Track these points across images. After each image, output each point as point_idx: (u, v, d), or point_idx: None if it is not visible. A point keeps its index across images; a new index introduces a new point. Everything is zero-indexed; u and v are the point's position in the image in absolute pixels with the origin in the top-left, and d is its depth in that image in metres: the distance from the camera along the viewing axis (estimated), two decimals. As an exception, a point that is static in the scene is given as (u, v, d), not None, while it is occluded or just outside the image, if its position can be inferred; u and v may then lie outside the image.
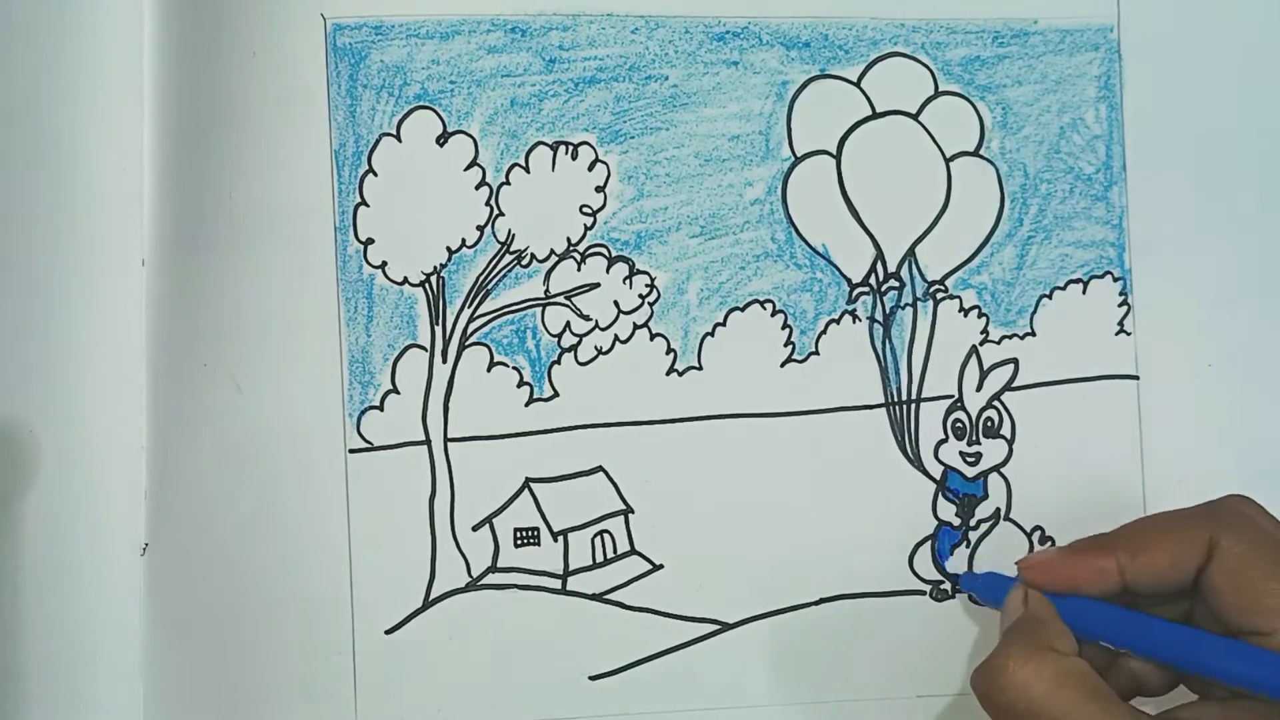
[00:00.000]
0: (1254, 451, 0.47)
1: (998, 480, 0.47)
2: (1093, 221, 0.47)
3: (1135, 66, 0.47)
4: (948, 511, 0.46)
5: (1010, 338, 0.47)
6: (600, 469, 0.45)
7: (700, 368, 0.46)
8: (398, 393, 0.44)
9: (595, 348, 0.45)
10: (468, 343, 0.45)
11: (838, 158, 0.46)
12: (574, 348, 0.45)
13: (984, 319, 0.47)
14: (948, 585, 0.46)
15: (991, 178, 0.47)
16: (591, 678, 0.45)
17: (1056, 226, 0.47)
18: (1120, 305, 0.47)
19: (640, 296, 0.45)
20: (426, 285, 0.45)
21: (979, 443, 0.46)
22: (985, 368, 0.46)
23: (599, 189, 0.45)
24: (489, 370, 0.45)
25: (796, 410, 0.46)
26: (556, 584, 0.45)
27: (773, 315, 0.46)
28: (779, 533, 0.46)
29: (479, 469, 0.45)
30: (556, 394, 0.45)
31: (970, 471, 0.46)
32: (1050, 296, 0.47)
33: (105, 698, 0.44)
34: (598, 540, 0.45)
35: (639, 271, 0.45)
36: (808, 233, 0.46)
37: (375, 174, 0.44)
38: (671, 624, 0.45)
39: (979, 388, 0.47)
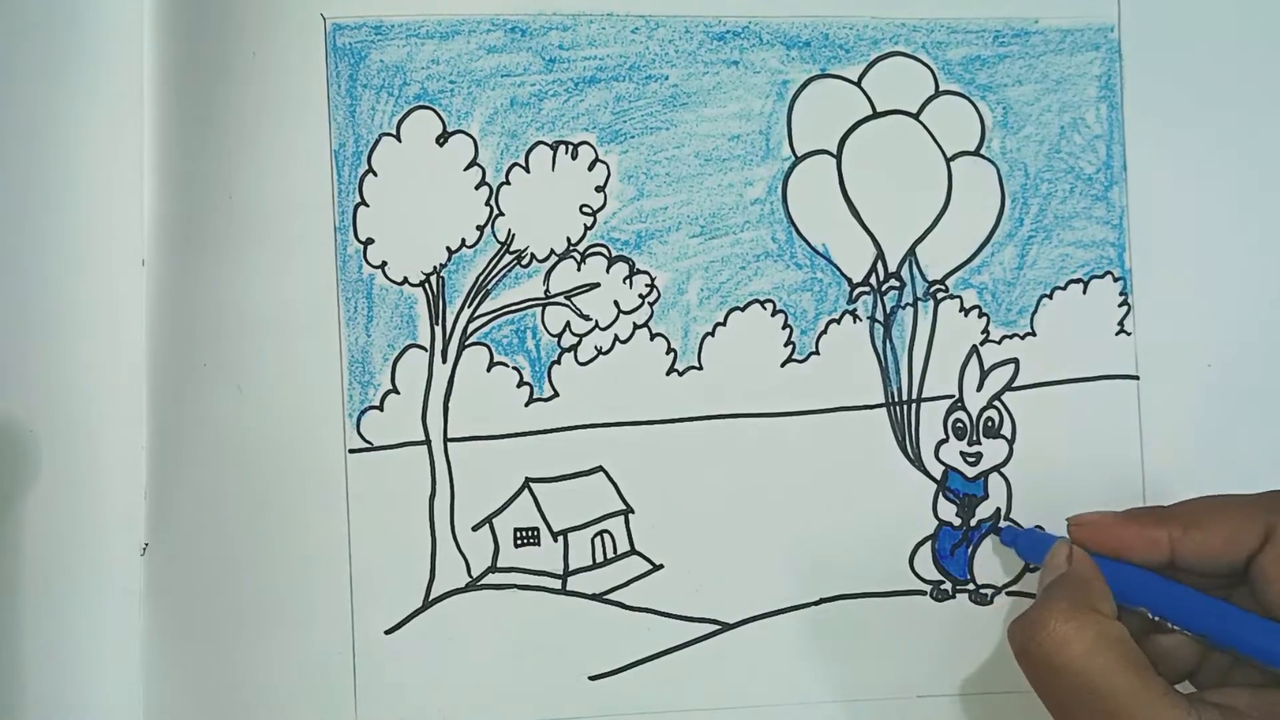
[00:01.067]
0: (1254, 451, 0.47)
1: (998, 480, 0.46)
2: (1093, 221, 0.47)
3: (1135, 66, 0.47)
4: (948, 511, 0.46)
5: (1011, 338, 0.47)
6: (600, 469, 0.45)
7: (700, 368, 0.46)
8: (398, 393, 0.44)
9: (595, 348, 0.45)
10: (468, 343, 0.45)
11: (838, 157, 0.46)
12: (574, 348, 0.45)
13: (984, 319, 0.47)
14: (948, 585, 0.46)
15: (992, 177, 0.47)
16: (591, 678, 0.45)
17: (1057, 226, 0.47)
18: (1120, 305, 0.47)
19: (640, 296, 0.45)
20: (426, 285, 0.45)
21: (979, 443, 0.46)
22: (986, 368, 0.46)
23: (599, 189, 0.45)
24: (489, 370, 0.45)
25: (797, 410, 0.46)
26: (556, 584, 0.45)
27: (773, 315, 0.46)
28: (779, 533, 0.46)
29: (479, 469, 0.45)
30: (556, 394, 0.45)
31: (970, 471, 0.46)
32: (1050, 296, 0.47)
33: (105, 698, 0.44)
34: (598, 540, 0.45)
35: (639, 271, 0.45)
36: (808, 232, 0.46)
37: (375, 174, 0.44)
38: (671, 624, 0.45)
39: (979, 388, 0.46)
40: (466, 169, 0.45)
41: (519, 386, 0.45)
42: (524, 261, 0.45)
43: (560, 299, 0.45)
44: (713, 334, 0.46)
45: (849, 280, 0.46)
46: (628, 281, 0.45)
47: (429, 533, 0.45)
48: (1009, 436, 0.46)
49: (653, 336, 0.46)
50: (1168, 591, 0.38)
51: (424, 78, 0.45)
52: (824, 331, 0.46)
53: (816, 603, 0.46)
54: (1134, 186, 0.47)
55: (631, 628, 0.45)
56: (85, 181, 0.44)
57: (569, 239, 0.45)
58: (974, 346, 0.47)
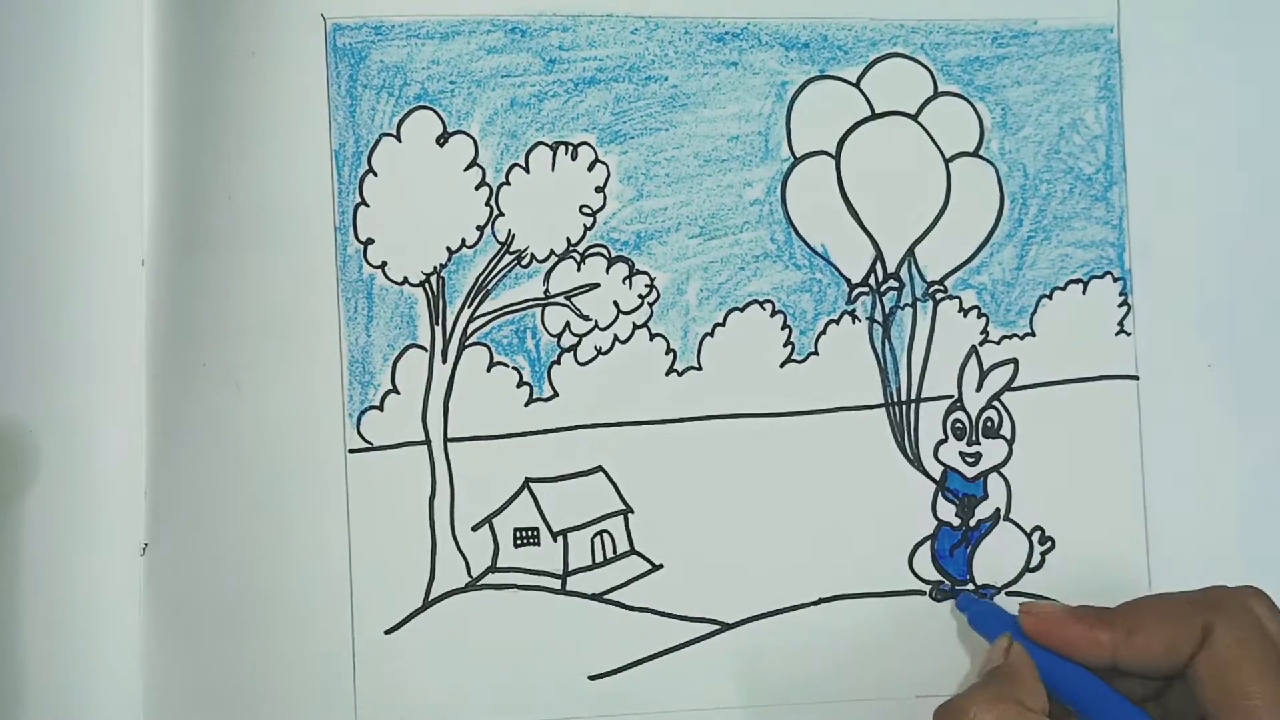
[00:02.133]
0: (1253, 452, 0.47)
1: (997, 480, 0.47)
2: (1093, 222, 0.47)
3: (1135, 66, 0.47)
4: (947, 511, 0.46)
5: (1010, 338, 0.47)
6: (600, 469, 0.45)
7: (700, 368, 0.46)
8: (397, 393, 0.45)
9: (595, 348, 0.45)
10: (468, 343, 0.45)
11: (837, 158, 0.46)
12: (574, 348, 0.45)
13: (984, 319, 0.47)
14: (948, 585, 0.46)
15: (991, 178, 0.47)
16: (591, 678, 0.45)
17: (1056, 227, 0.47)
18: (1120, 305, 0.47)
19: (640, 297, 0.45)
20: (426, 285, 0.45)
21: (979, 443, 0.46)
22: (985, 368, 0.46)
23: (599, 189, 0.45)
24: (489, 370, 0.45)
25: (796, 410, 0.46)
26: (556, 584, 0.45)
27: (772, 315, 0.46)
28: (779, 533, 0.46)
29: (479, 469, 0.45)
30: (556, 394, 0.45)
31: (970, 471, 0.46)
32: (1050, 297, 0.47)
33: (105, 697, 0.44)
34: (597, 540, 0.45)
35: (639, 272, 0.45)
36: (807, 233, 0.46)
37: (375, 174, 0.45)
38: (671, 624, 0.45)
39: (979, 388, 0.47)
40: (466, 169, 0.45)
41: (519, 386, 0.45)
42: (524, 262, 0.45)
43: (560, 299, 0.45)
44: (712, 334, 0.46)
45: (848, 281, 0.46)
46: (627, 282, 0.45)
47: (429, 533, 0.45)
48: (1008, 437, 0.47)
49: (652, 337, 0.46)
50: (1099, 695, 0.38)
51: (424, 78, 0.45)
52: (823, 332, 0.46)
53: (816, 603, 0.46)
54: (1133, 186, 0.47)
55: (631, 628, 0.45)
56: (85, 181, 0.44)
57: (569, 239, 0.45)
58: (973, 347, 0.47)
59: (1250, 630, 0.37)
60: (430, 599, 0.44)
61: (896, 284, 0.46)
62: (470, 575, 0.45)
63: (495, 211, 0.45)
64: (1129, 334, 0.47)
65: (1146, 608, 0.39)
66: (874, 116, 0.46)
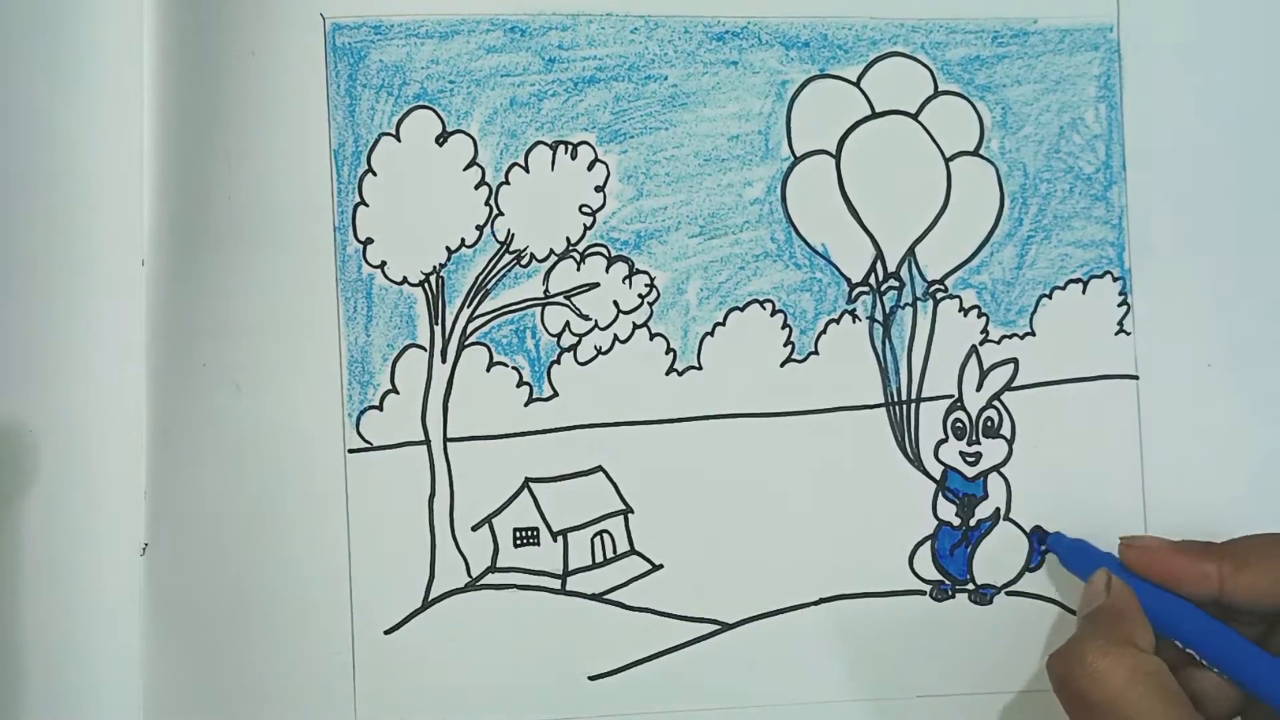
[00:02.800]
0: (1254, 452, 0.47)
1: (998, 480, 0.46)
2: (1092, 221, 0.47)
3: (1135, 66, 0.47)
4: (947, 511, 0.46)
5: (1010, 337, 0.47)
6: (600, 469, 0.45)
7: (700, 367, 0.46)
8: (397, 393, 0.45)
9: (595, 347, 0.45)
10: (467, 342, 0.45)
11: (837, 157, 0.46)
12: (573, 347, 0.45)
13: (984, 319, 0.47)
14: (948, 585, 0.46)
15: (991, 177, 0.47)
16: (591, 678, 0.45)
17: (1056, 226, 0.47)
18: (1120, 305, 0.47)
19: (640, 296, 0.45)
20: (426, 285, 0.45)
21: (979, 442, 0.46)
22: (985, 367, 0.46)
23: (598, 189, 0.45)
24: (488, 370, 0.45)
25: (796, 410, 0.46)
26: (556, 584, 0.45)
27: (772, 315, 0.46)
28: (779, 533, 0.46)
29: (478, 469, 0.45)
30: (556, 394, 0.45)
31: (970, 471, 0.46)
32: (1050, 296, 0.47)
33: (105, 698, 0.44)
34: (597, 540, 0.45)
35: (638, 271, 0.45)
36: (807, 232, 0.46)
37: (374, 174, 0.45)
38: (671, 624, 0.45)
39: (979, 387, 0.46)
40: (466, 169, 0.45)
41: (518, 386, 0.45)
42: (523, 261, 0.45)
43: (560, 299, 0.45)
44: (712, 334, 0.46)
45: (848, 280, 0.46)
46: (627, 281, 0.45)
47: (428, 533, 0.45)
48: (1008, 436, 0.46)
49: (652, 336, 0.46)
50: (1209, 630, 0.38)
51: (423, 77, 0.45)
52: (823, 331, 0.46)
53: (816, 603, 0.46)
54: (1133, 186, 0.47)
55: (631, 628, 0.45)
56: (85, 181, 0.44)
57: (568, 239, 0.45)
58: (973, 346, 0.47)
59: None
60: (430, 599, 0.44)
61: (897, 283, 0.46)
62: (470, 575, 0.45)
63: (495, 211, 0.45)
64: (1129, 334, 0.47)
65: (1257, 542, 0.38)
66: (874, 116, 0.46)
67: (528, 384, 0.45)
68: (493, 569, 0.45)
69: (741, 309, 0.46)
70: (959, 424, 0.46)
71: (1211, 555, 0.38)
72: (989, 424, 0.46)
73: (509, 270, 0.45)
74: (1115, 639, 0.36)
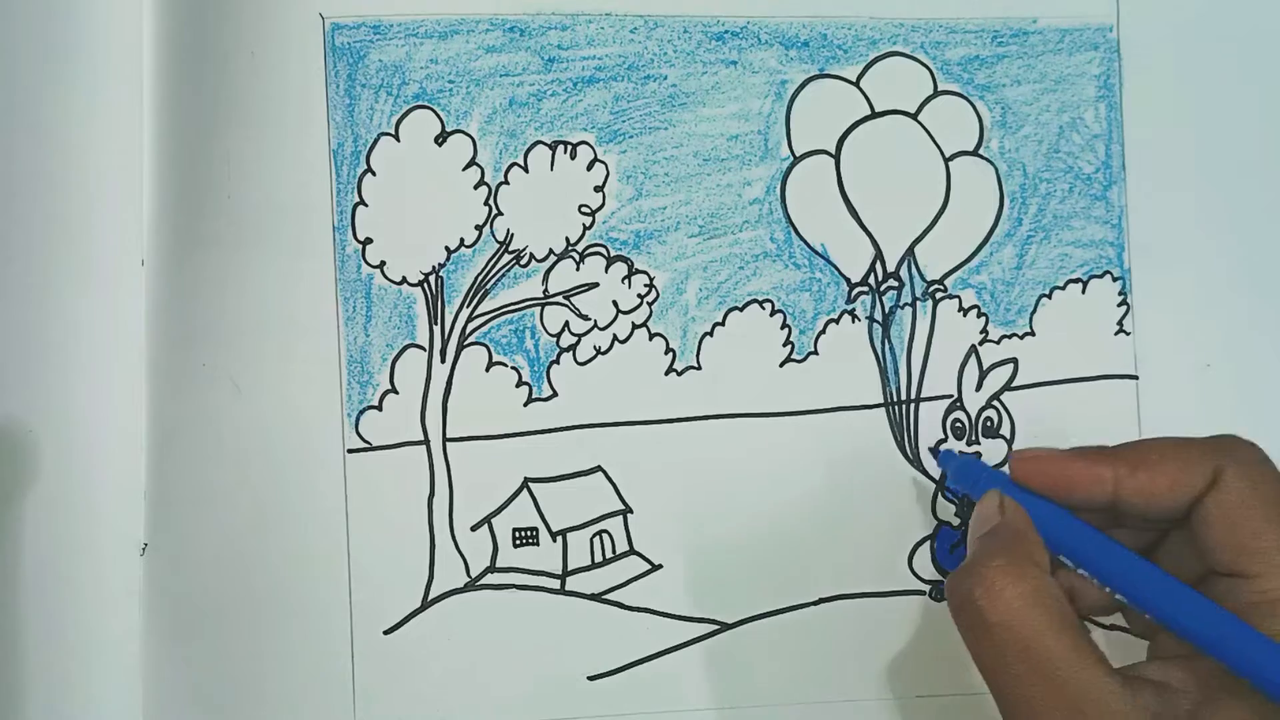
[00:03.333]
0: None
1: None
2: (1092, 221, 0.47)
3: (1135, 66, 0.47)
4: (947, 511, 0.46)
5: (1010, 337, 0.47)
6: (599, 469, 0.45)
7: (699, 368, 0.46)
8: (396, 393, 0.45)
9: (594, 347, 0.45)
10: (466, 342, 0.45)
11: (837, 157, 0.46)
12: (573, 347, 0.45)
13: (983, 319, 0.47)
14: (947, 584, 0.46)
15: (991, 177, 0.47)
16: (591, 678, 0.45)
17: (1056, 226, 0.47)
18: (1120, 305, 0.47)
19: (639, 296, 0.45)
20: (425, 285, 0.45)
21: (978, 442, 0.46)
22: (984, 367, 0.46)
23: (598, 189, 0.45)
24: (488, 370, 0.45)
25: (796, 410, 0.46)
26: (555, 584, 0.45)
27: (772, 315, 0.46)
28: (778, 533, 0.46)
29: (478, 469, 0.45)
30: (555, 394, 0.45)
31: (970, 471, 0.46)
32: (1050, 296, 0.47)
33: (105, 698, 0.44)
34: (597, 540, 0.45)
35: (638, 271, 0.45)
36: (807, 232, 0.46)
37: (374, 173, 0.45)
38: (671, 624, 0.45)
39: (978, 387, 0.46)
40: (465, 169, 0.45)
41: (518, 386, 0.45)
42: (523, 261, 0.45)
43: (559, 299, 0.45)
44: (711, 334, 0.46)
45: (847, 280, 0.46)
46: (626, 281, 0.45)
47: (428, 533, 0.45)
48: (1008, 436, 0.46)
49: (651, 336, 0.46)
50: (1103, 550, 0.37)
51: (423, 77, 0.45)
52: (822, 331, 0.46)
53: (816, 603, 0.46)
54: (1133, 186, 0.47)
55: (630, 628, 0.45)
56: (85, 181, 0.44)
57: (568, 239, 0.45)
58: (973, 346, 0.47)
59: (1263, 474, 0.36)
60: (429, 599, 0.44)
61: (896, 283, 0.46)
62: (469, 575, 0.45)
63: (494, 211, 0.45)
64: (1129, 333, 0.47)
65: (1153, 445, 0.37)
66: (874, 115, 0.46)
67: (527, 384, 0.45)
68: (492, 569, 0.45)
69: (741, 309, 0.46)
70: (958, 424, 0.46)
71: (1106, 459, 0.37)
72: (988, 424, 0.46)
73: (508, 270, 0.45)
74: (1015, 558, 0.35)
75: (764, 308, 0.46)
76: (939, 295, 0.46)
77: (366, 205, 0.44)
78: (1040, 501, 0.38)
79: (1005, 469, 0.40)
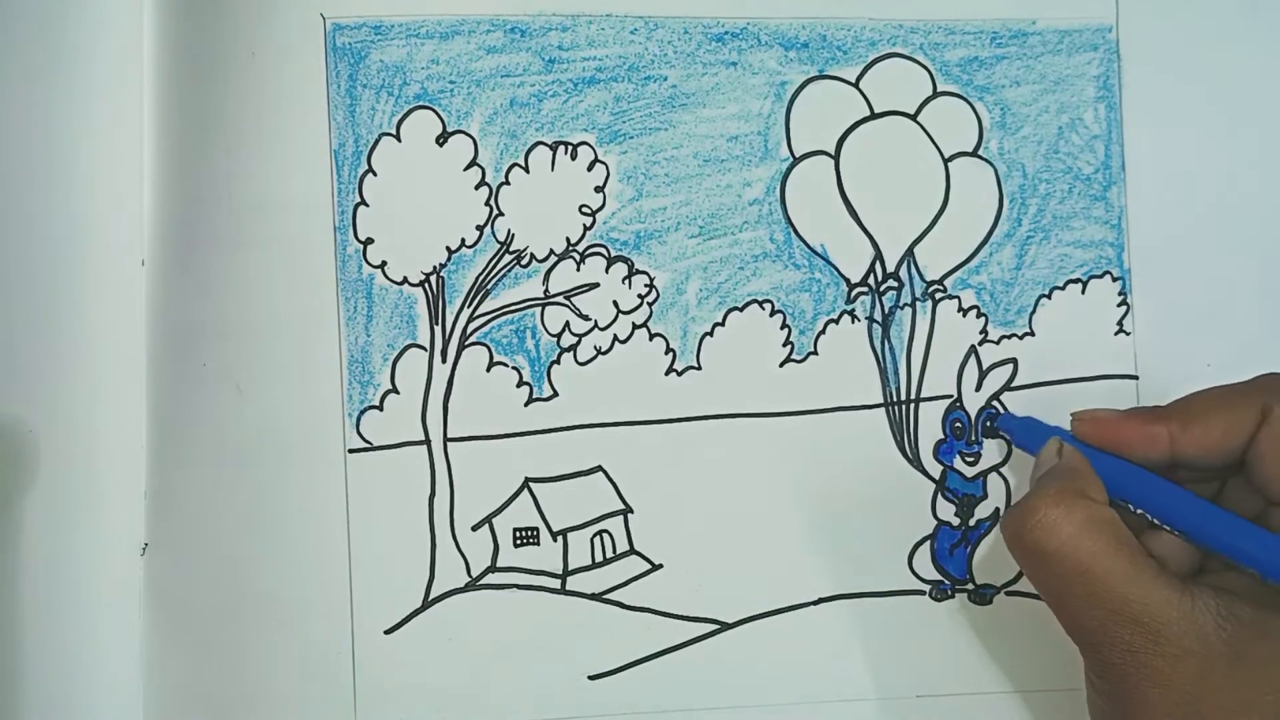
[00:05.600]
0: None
1: (997, 480, 0.46)
2: (1091, 221, 0.47)
3: (1134, 66, 0.47)
4: (947, 511, 0.46)
5: (1009, 337, 0.47)
6: (599, 469, 0.45)
7: (699, 368, 0.46)
8: (397, 393, 0.45)
9: (594, 347, 0.45)
10: (467, 342, 0.45)
11: (836, 158, 0.46)
12: (573, 347, 0.45)
13: (983, 319, 0.47)
14: (947, 585, 0.46)
15: (990, 178, 0.47)
16: (591, 677, 0.45)
17: (1055, 226, 0.47)
18: (1119, 305, 0.47)
19: (639, 296, 0.46)
20: (426, 285, 0.45)
21: (979, 443, 0.46)
22: (984, 367, 0.46)
23: (598, 189, 0.45)
24: (488, 370, 0.45)
25: (795, 410, 0.46)
26: (556, 584, 0.45)
27: (771, 315, 0.46)
28: (779, 533, 0.46)
29: (478, 469, 0.45)
30: (556, 394, 0.45)
31: (969, 471, 0.46)
32: (1049, 296, 0.47)
33: (105, 698, 0.44)
34: (597, 540, 0.45)
35: (638, 271, 0.46)
36: (806, 233, 0.46)
37: (375, 174, 0.45)
38: (671, 624, 0.45)
39: (978, 387, 0.47)
40: (466, 169, 0.45)
41: (518, 386, 0.45)
42: (523, 261, 0.45)
43: (559, 299, 0.45)
44: (711, 334, 0.46)
45: (847, 280, 0.46)
46: (627, 282, 0.46)
47: (428, 532, 0.45)
48: (1007, 437, 0.46)
49: (651, 336, 0.46)
50: (1162, 491, 0.38)
51: (424, 78, 0.45)
52: (822, 332, 0.46)
53: (816, 603, 0.46)
54: (1132, 186, 0.47)
55: (631, 627, 0.45)
56: (85, 181, 0.44)
57: (568, 239, 0.45)
58: (972, 346, 0.47)
59: None
60: (430, 599, 0.45)
61: (896, 284, 0.46)
62: (470, 575, 0.45)
63: (495, 211, 0.45)
64: (1128, 334, 0.47)
65: (1201, 397, 0.39)
66: (873, 116, 0.46)
67: (528, 384, 0.45)
68: (493, 569, 0.45)
69: (741, 309, 0.46)
70: (958, 424, 0.46)
71: (1160, 417, 0.39)
72: (988, 424, 0.46)
73: (509, 270, 0.45)
74: (1068, 490, 0.37)
75: (764, 308, 0.46)
76: (939, 295, 0.47)
77: (367, 205, 0.45)
78: (1097, 453, 0.39)
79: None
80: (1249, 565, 0.35)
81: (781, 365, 0.46)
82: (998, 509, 0.46)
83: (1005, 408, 0.46)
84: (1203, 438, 0.38)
